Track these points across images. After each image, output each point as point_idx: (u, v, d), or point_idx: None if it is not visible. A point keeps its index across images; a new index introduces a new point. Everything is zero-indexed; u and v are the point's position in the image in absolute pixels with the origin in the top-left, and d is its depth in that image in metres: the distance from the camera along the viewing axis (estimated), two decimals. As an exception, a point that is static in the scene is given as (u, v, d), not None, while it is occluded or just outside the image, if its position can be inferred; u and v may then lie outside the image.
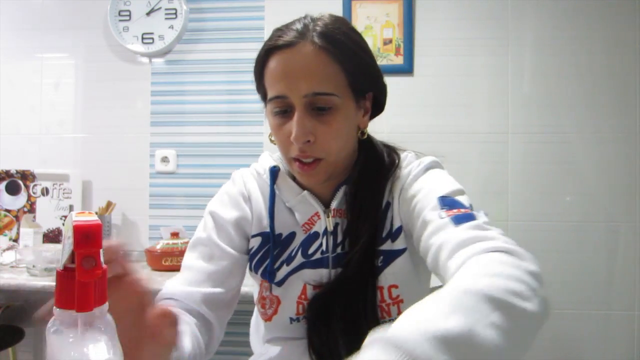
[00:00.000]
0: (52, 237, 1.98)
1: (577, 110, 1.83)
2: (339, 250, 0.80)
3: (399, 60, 1.86)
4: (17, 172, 2.01)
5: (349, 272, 0.78)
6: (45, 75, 2.05)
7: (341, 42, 0.73)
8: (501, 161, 1.85)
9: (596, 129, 1.82)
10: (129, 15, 1.97)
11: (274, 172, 0.84)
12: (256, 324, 0.98)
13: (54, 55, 2.06)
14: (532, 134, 1.84)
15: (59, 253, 0.44)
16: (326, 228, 0.80)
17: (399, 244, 0.78)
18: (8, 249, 1.88)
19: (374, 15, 1.88)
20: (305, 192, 0.81)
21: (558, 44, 1.84)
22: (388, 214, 0.79)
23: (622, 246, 1.81)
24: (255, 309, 0.97)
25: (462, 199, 0.72)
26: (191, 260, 0.81)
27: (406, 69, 1.84)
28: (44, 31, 2.05)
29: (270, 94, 0.76)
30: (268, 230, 0.82)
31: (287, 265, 0.81)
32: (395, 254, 0.78)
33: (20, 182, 2.01)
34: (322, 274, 0.80)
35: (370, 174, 0.80)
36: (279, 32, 0.77)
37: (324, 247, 0.80)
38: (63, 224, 1.96)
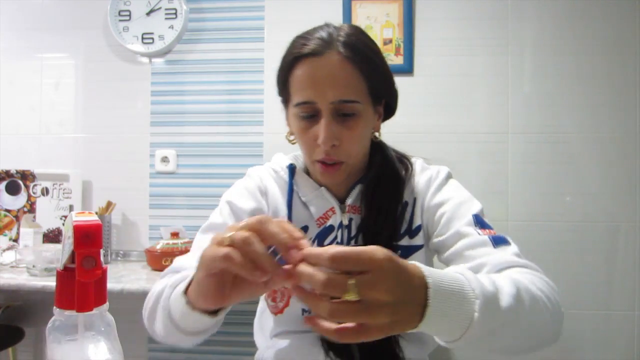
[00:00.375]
0: (52, 237, 1.98)
1: (577, 110, 1.83)
2: (352, 243, 0.86)
3: (399, 60, 1.86)
4: (17, 172, 2.01)
5: None
6: (45, 75, 2.05)
7: (363, 52, 0.79)
8: (501, 161, 1.85)
9: (596, 129, 1.82)
10: (129, 15, 1.96)
11: (292, 169, 0.90)
12: (260, 320, 1.00)
13: (54, 55, 2.06)
14: (532, 134, 1.84)
15: (59, 253, 0.44)
16: (341, 222, 0.87)
17: (417, 240, 0.86)
18: (8, 249, 1.87)
19: (374, 15, 1.88)
20: (323, 188, 0.88)
21: (558, 44, 1.84)
22: (406, 213, 0.86)
23: (622, 246, 1.81)
24: (260, 306, 0.98)
25: (486, 219, 0.84)
26: (203, 242, 0.85)
27: (406, 69, 1.85)
28: (44, 31, 2.05)
29: (297, 100, 0.80)
30: None
31: None
32: (413, 250, 0.86)
33: (20, 182, 2.01)
34: None
35: (387, 175, 0.87)
36: (303, 40, 0.81)
37: (339, 239, 0.86)
38: (63, 224, 1.96)
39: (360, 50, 0.78)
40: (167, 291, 0.69)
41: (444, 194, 0.87)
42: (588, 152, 1.83)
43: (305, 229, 0.87)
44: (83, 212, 0.46)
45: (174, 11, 1.95)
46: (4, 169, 2.01)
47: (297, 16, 1.94)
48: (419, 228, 0.86)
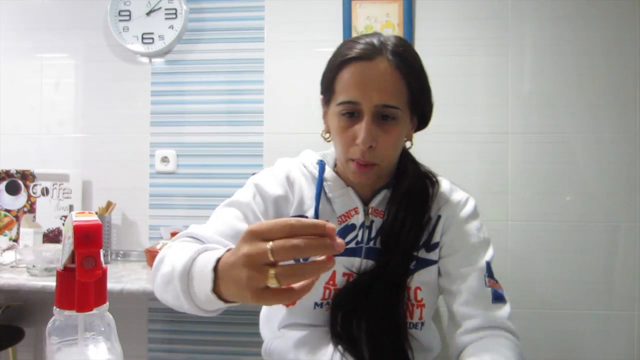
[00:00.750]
0: (52, 237, 1.98)
1: (577, 110, 1.83)
2: (371, 244, 0.90)
3: (399, 60, 1.86)
4: (17, 172, 2.01)
5: (386, 268, 0.86)
6: (45, 75, 2.05)
7: (410, 63, 0.83)
8: (501, 161, 1.85)
9: (596, 129, 1.82)
10: (129, 15, 1.97)
11: (323, 165, 0.94)
12: (268, 313, 1.01)
13: (54, 55, 2.06)
14: (532, 134, 1.84)
15: (59, 253, 0.44)
16: (363, 222, 0.90)
17: (432, 255, 0.90)
18: (8, 249, 1.87)
19: (374, 15, 1.88)
20: (350, 187, 0.91)
21: (558, 44, 1.84)
22: (427, 227, 0.90)
23: (622, 246, 1.81)
24: None
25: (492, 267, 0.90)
26: (224, 215, 0.87)
27: (406, 69, 1.85)
28: (44, 31, 2.05)
29: (341, 98, 0.83)
30: (306, 214, 0.90)
31: None
32: (428, 263, 0.89)
33: (20, 182, 2.01)
34: (353, 262, 0.89)
35: (417, 188, 0.91)
36: (353, 43, 0.84)
37: (359, 238, 0.89)
38: (63, 224, 1.96)
39: (407, 60, 0.83)
40: (183, 264, 0.64)
41: (470, 227, 0.91)
42: (588, 152, 1.83)
43: None
44: (83, 212, 0.46)
45: (174, 11, 1.95)
46: (4, 169, 2.01)
47: (297, 16, 1.94)
48: (436, 245, 0.90)
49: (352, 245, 0.89)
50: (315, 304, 0.89)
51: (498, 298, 0.85)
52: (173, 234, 1.82)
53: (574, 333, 1.82)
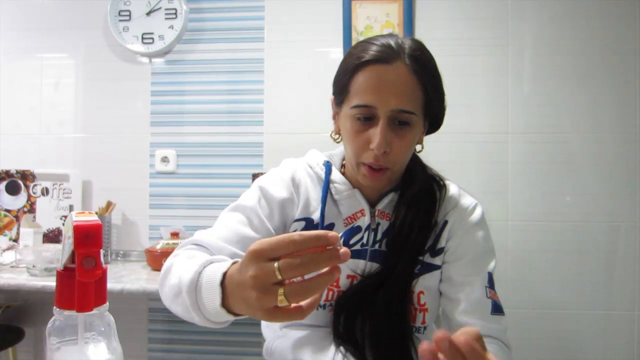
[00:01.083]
0: (52, 237, 1.98)
1: (577, 110, 1.83)
2: (376, 246, 0.89)
3: (399, 60, 1.86)
4: (17, 172, 2.01)
5: (392, 272, 0.86)
6: (45, 75, 2.05)
7: (427, 68, 0.82)
8: (501, 161, 1.85)
9: (596, 129, 1.82)
10: (129, 15, 1.97)
11: (329, 166, 0.93)
12: None
13: (54, 55, 2.06)
14: (532, 134, 1.84)
15: (59, 253, 0.44)
16: (369, 225, 0.89)
17: (437, 260, 0.89)
18: (8, 249, 1.87)
19: (374, 15, 1.88)
20: (356, 189, 0.90)
21: (558, 44, 1.84)
22: (434, 232, 0.89)
23: (622, 246, 1.81)
24: None
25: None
26: (229, 220, 0.87)
27: (406, 69, 1.85)
28: (44, 31, 2.04)
29: (357, 101, 0.81)
30: (312, 217, 0.90)
31: None
32: (431, 267, 0.89)
33: (20, 182, 2.01)
34: (358, 264, 0.88)
35: (425, 193, 0.90)
36: (369, 45, 0.82)
37: (364, 241, 0.89)
38: (63, 224, 1.96)
39: (424, 65, 0.82)
40: (190, 278, 0.63)
41: (477, 236, 0.90)
42: (588, 152, 1.83)
43: (331, 225, 0.90)
44: (83, 212, 0.46)
45: (174, 11, 1.95)
46: (4, 169, 2.01)
47: (297, 16, 1.94)
48: (441, 250, 0.89)
49: (357, 247, 0.89)
50: (319, 305, 0.89)
51: (497, 310, 0.85)
52: (173, 234, 1.82)
53: (574, 333, 1.82)
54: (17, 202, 2.01)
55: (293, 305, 0.49)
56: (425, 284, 0.88)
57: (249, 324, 1.91)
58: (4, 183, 2.00)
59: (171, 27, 1.95)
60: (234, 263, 0.59)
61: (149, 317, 1.97)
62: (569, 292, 1.82)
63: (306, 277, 0.49)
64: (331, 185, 0.91)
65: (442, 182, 0.94)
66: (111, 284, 1.48)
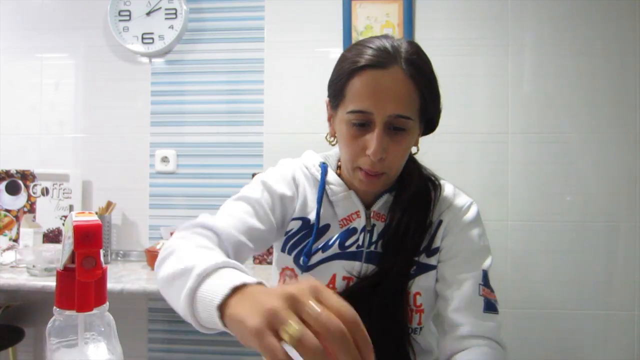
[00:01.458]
0: (52, 237, 1.98)
1: (577, 110, 1.83)
2: (372, 248, 0.89)
3: (399, 60, 1.86)
4: (17, 172, 2.01)
5: (388, 273, 0.85)
6: (45, 75, 2.05)
7: (424, 72, 0.82)
8: (501, 161, 1.85)
9: (596, 129, 1.82)
10: (129, 15, 1.97)
11: (325, 167, 0.93)
12: None
13: (54, 55, 2.06)
14: (532, 134, 1.84)
15: (59, 253, 0.44)
16: (365, 226, 0.89)
17: (432, 260, 0.89)
18: (8, 249, 1.87)
19: (374, 15, 1.88)
20: (352, 191, 0.90)
21: (558, 44, 1.84)
22: (429, 232, 0.89)
23: (622, 246, 1.81)
24: None
25: (490, 275, 0.88)
26: (234, 209, 0.86)
27: (406, 69, 1.85)
28: (44, 31, 2.05)
29: (353, 107, 0.81)
30: (308, 217, 0.90)
31: (323, 252, 0.88)
32: (427, 268, 0.88)
33: (20, 182, 2.01)
34: (354, 266, 0.88)
35: (420, 193, 0.90)
36: (364, 48, 0.81)
37: (360, 242, 0.88)
38: (63, 224, 1.96)
39: (421, 69, 0.81)
40: (191, 282, 0.58)
41: (471, 234, 0.90)
42: (588, 152, 1.83)
43: (327, 226, 0.90)
44: (83, 212, 0.46)
45: (174, 11, 1.95)
46: (4, 169, 2.01)
47: (297, 16, 1.94)
48: (436, 250, 0.89)
49: (353, 249, 0.88)
50: None
51: (490, 308, 0.84)
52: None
53: (574, 333, 1.82)
54: (17, 202, 2.01)
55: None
56: (421, 285, 0.87)
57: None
58: (4, 183, 2.00)
59: (171, 27, 1.95)
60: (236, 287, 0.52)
61: (149, 317, 1.97)
62: (569, 292, 1.82)
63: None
64: (327, 186, 0.91)
65: (437, 182, 0.94)
66: (111, 284, 1.48)
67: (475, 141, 1.85)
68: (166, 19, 1.95)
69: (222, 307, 0.51)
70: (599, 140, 1.82)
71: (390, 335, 0.85)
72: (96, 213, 1.52)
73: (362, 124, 0.81)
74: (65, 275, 0.43)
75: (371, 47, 0.80)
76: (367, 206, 0.90)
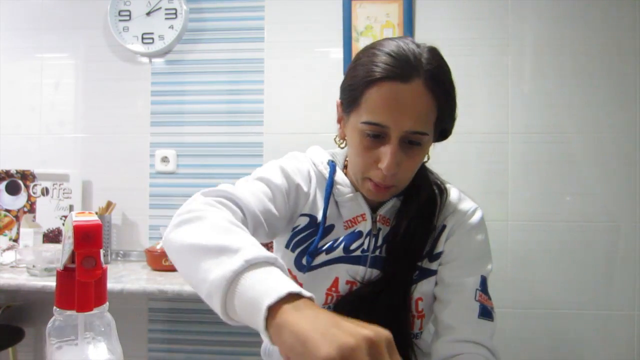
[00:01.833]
0: (52, 237, 1.98)
1: (577, 110, 1.83)
2: (377, 252, 0.87)
3: (399, 60, 1.86)
4: (17, 172, 2.01)
5: (392, 280, 0.85)
6: (45, 75, 2.05)
7: (444, 86, 0.79)
8: (501, 161, 1.85)
9: (596, 129, 1.82)
10: (129, 15, 1.97)
11: (334, 166, 0.91)
12: None
13: (54, 55, 2.06)
14: (532, 134, 1.84)
15: (59, 253, 0.44)
16: (370, 230, 0.87)
17: (434, 265, 0.88)
18: (8, 249, 1.87)
19: (374, 15, 1.88)
20: (359, 193, 0.87)
21: (558, 44, 1.84)
22: (432, 237, 0.88)
23: (622, 246, 1.81)
24: None
25: (489, 282, 0.87)
26: (255, 188, 0.83)
27: (406, 69, 1.85)
28: (44, 31, 2.05)
29: (369, 118, 0.77)
30: (316, 216, 0.88)
31: (327, 254, 0.87)
32: (429, 273, 0.87)
33: (20, 182, 2.01)
34: (358, 271, 0.87)
35: (427, 200, 0.88)
36: (384, 56, 0.77)
37: (365, 246, 0.87)
38: (63, 224, 1.96)
39: (442, 82, 0.78)
40: (237, 266, 0.53)
41: (475, 240, 0.89)
42: (588, 152, 1.83)
43: (331, 227, 0.88)
44: (83, 212, 0.46)
45: (174, 11, 1.95)
46: (4, 169, 2.01)
47: (297, 16, 1.94)
48: (439, 255, 0.88)
49: (358, 253, 0.87)
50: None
51: (485, 314, 0.82)
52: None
53: (574, 333, 1.82)
54: (17, 202, 2.01)
55: None
56: (422, 290, 0.86)
57: (249, 324, 1.91)
58: (4, 183, 2.00)
59: (171, 27, 1.95)
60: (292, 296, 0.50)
61: (149, 317, 1.97)
62: (569, 292, 1.82)
63: None
64: (334, 186, 0.89)
65: (443, 187, 0.92)
66: (111, 284, 1.48)
67: (475, 141, 1.85)
68: (166, 19, 1.95)
69: (271, 309, 0.48)
70: (599, 140, 1.82)
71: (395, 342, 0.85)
72: (96, 213, 1.52)
73: (377, 135, 0.78)
74: (65, 275, 0.43)
75: (390, 55, 0.76)
76: (373, 209, 0.89)
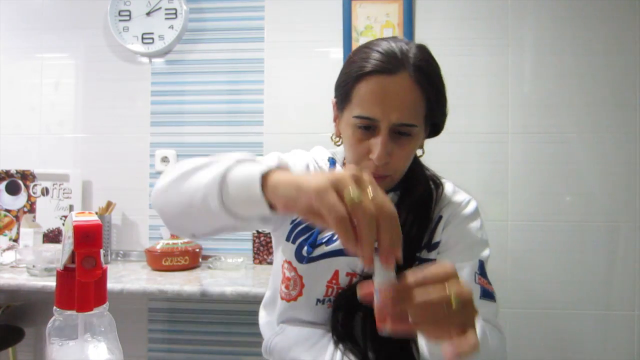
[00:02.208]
0: (52, 237, 1.98)
1: (577, 110, 1.83)
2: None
3: (399, 60, 1.86)
4: (17, 172, 2.01)
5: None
6: (45, 75, 2.05)
7: (432, 79, 0.81)
8: (501, 161, 1.85)
9: (596, 129, 1.82)
10: (129, 15, 1.97)
11: (334, 162, 0.94)
12: (268, 305, 1.01)
13: (54, 55, 2.06)
14: (532, 134, 1.84)
15: (59, 253, 0.44)
16: None
17: (432, 255, 0.89)
18: (8, 249, 1.87)
19: (374, 15, 1.88)
20: None
21: (558, 44, 1.84)
22: (429, 228, 0.90)
23: (622, 246, 1.81)
24: (267, 294, 1.00)
25: (487, 267, 0.89)
26: (271, 161, 0.86)
27: (406, 69, 1.85)
28: (44, 31, 2.05)
29: (359, 112, 0.81)
30: None
31: (327, 246, 0.88)
32: (428, 263, 0.86)
33: (20, 182, 2.01)
34: (357, 263, 0.88)
35: (423, 194, 0.91)
36: (372, 52, 0.81)
37: None
38: (63, 224, 1.96)
39: (430, 76, 0.81)
40: (229, 163, 0.62)
41: (470, 227, 0.91)
42: (588, 152, 1.83)
43: None
44: (83, 212, 0.46)
45: (174, 11, 1.95)
46: (4, 169, 2.01)
47: (297, 16, 1.94)
48: (437, 244, 0.89)
49: None
50: (317, 300, 0.89)
51: (486, 295, 0.84)
52: (173, 236, 1.82)
53: (574, 333, 1.82)
54: (17, 202, 2.01)
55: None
56: None
57: (249, 324, 1.91)
58: (4, 183, 2.00)
59: (171, 27, 1.95)
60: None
61: (149, 317, 1.97)
62: (569, 292, 1.82)
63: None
64: None
65: (438, 181, 0.95)
66: (111, 284, 1.48)
67: (475, 141, 1.85)
68: (166, 19, 1.95)
69: (264, 177, 0.56)
70: (599, 140, 1.82)
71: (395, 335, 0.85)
72: (96, 213, 1.52)
73: (367, 127, 0.81)
74: (65, 275, 0.43)
75: (379, 51, 0.80)
76: None
